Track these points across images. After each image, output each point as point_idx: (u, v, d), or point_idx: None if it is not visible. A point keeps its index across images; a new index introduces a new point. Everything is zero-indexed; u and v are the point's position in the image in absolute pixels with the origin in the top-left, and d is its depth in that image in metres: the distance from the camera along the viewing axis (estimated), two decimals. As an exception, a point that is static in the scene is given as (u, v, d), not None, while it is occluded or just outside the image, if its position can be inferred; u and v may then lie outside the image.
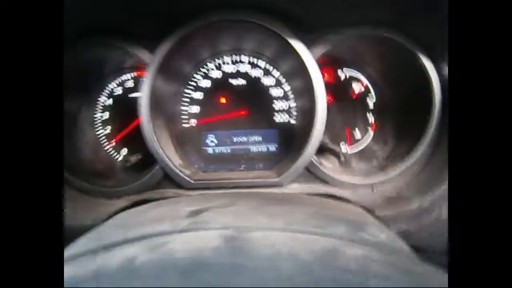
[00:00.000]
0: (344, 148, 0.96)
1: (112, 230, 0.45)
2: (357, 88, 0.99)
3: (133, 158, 0.82)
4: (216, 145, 1.00)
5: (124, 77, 1.00)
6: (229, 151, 0.99)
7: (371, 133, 0.98)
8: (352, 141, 0.98)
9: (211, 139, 1.00)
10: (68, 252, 0.42)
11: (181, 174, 0.77)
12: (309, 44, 0.76)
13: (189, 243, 0.30)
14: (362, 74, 0.98)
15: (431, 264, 0.33)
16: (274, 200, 0.51)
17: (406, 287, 0.23)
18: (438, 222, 0.68)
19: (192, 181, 0.77)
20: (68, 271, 0.29)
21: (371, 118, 0.99)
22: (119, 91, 1.00)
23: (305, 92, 0.85)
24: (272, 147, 0.99)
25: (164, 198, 0.75)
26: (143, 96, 0.76)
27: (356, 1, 0.69)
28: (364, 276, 0.24)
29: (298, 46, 0.75)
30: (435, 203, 0.69)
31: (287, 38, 0.74)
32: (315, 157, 0.78)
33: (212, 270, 0.23)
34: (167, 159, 0.77)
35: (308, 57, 0.75)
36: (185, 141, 0.96)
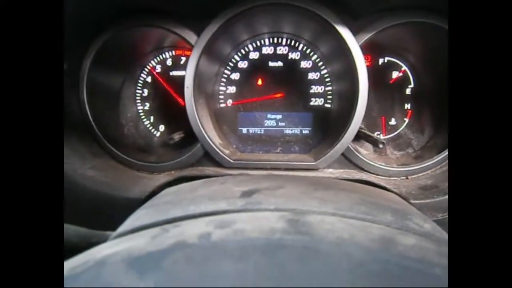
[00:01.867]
0: (379, 136, 0.96)
1: (170, 206, 0.48)
2: (394, 73, 0.98)
3: (177, 136, 0.85)
4: (251, 126, 1.02)
5: (163, 55, 1.02)
6: (263, 132, 1.02)
7: (406, 120, 0.98)
8: (387, 129, 0.99)
9: (245, 119, 1.02)
10: (132, 223, 0.46)
11: (221, 153, 0.80)
12: (352, 30, 0.75)
13: (255, 223, 0.33)
14: (401, 61, 0.97)
15: None
16: (320, 185, 0.53)
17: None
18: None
19: (232, 161, 0.80)
20: (144, 243, 0.32)
21: (407, 105, 0.98)
22: (158, 69, 1.03)
23: (344, 76, 0.85)
24: (306, 130, 1.01)
25: (204, 176, 0.79)
26: (188, 76, 0.79)
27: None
28: (427, 263, 0.26)
29: (342, 30, 0.75)
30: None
31: (331, 22, 0.74)
32: (351, 144, 0.79)
33: (290, 251, 0.26)
34: (208, 138, 0.80)
35: (352, 41, 0.75)
36: (222, 121, 0.99)
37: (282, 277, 0.23)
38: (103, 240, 0.45)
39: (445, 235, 0.45)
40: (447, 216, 0.70)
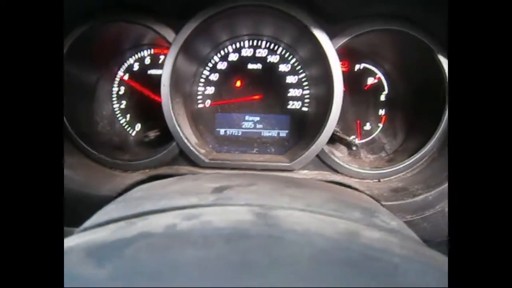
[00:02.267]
0: (354, 140, 0.98)
1: (140, 201, 0.48)
2: (369, 80, 1.01)
3: (152, 134, 0.84)
4: (228, 127, 1.02)
5: (141, 53, 1.01)
6: (240, 133, 1.02)
7: (380, 125, 1.00)
8: (362, 133, 1.01)
9: (223, 120, 1.02)
10: (99, 217, 0.45)
11: (196, 152, 0.80)
12: (329, 34, 0.77)
13: (224, 215, 0.33)
14: (376, 67, 1.00)
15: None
16: (292, 183, 0.54)
17: (426, 267, 0.26)
18: (442, 215, 0.71)
19: (207, 160, 0.80)
20: (108, 234, 0.31)
21: (381, 110, 1.01)
22: (136, 67, 1.02)
23: (321, 80, 0.87)
24: (283, 133, 1.01)
25: (178, 175, 0.78)
26: (164, 74, 0.78)
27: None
28: (389, 253, 0.27)
29: (319, 34, 0.76)
30: (440, 197, 0.72)
31: (309, 25, 0.76)
32: (326, 146, 0.81)
33: (254, 240, 0.26)
34: (184, 137, 0.79)
35: (328, 45, 0.76)
36: (199, 122, 0.98)
37: (243, 263, 0.23)
38: (69, 235, 0.44)
39: (410, 233, 0.46)
40: (416, 217, 0.72)
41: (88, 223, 0.45)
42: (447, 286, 0.25)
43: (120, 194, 0.74)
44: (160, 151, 0.82)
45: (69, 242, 0.32)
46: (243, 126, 1.02)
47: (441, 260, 0.29)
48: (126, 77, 1.02)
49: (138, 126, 1.03)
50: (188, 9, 0.76)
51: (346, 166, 0.80)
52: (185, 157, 0.82)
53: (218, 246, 0.25)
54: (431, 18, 0.74)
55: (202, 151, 0.81)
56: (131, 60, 1.01)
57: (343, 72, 0.99)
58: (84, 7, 0.76)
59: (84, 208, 0.72)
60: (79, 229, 0.43)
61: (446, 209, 0.71)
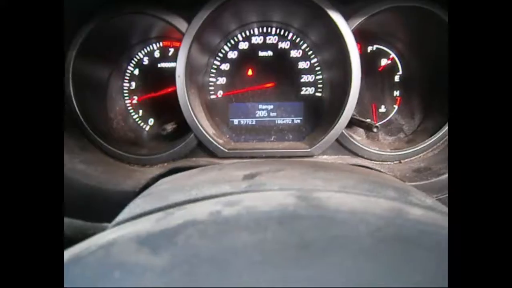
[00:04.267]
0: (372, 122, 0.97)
1: (169, 193, 0.47)
2: (383, 61, 0.99)
3: (169, 127, 0.84)
4: (242, 117, 1.01)
5: (151, 47, 1.00)
6: (254, 122, 1.01)
7: (396, 107, 0.99)
8: (378, 115, 0.99)
9: (237, 110, 1.01)
10: (131, 211, 0.45)
11: (214, 142, 0.79)
12: (344, 15, 0.75)
13: (265, 200, 0.32)
14: (389, 48, 0.98)
15: None
16: (319, 167, 0.53)
17: None
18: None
19: (226, 150, 0.79)
20: (151, 224, 0.31)
21: (396, 92, 0.99)
22: (146, 61, 1.01)
23: (336, 63, 0.85)
24: (297, 119, 1.00)
25: (198, 166, 0.78)
26: (179, 65, 0.77)
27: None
28: (440, 227, 0.26)
29: (334, 15, 0.75)
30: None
31: (323, 7, 0.74)
32: (345, 130, 0.80)
33: (307, 221, 0.25)
34: (201, 127, 0.79)
35: (344, 26, 0.75)
36: (214, 112, 0.98)
37: (303, 244, 0.22)
38: (100, 231, 0.44)
39: (446, 209, 0.45)
40: (441, 197, 0.71)
41: (120, 217, 0.45)
42: None
43: (142, 188, 0.74)
44: (177, 144, 0.82)
45: (109, 234, 0.31)
46: (257, 115, 1.01)
47: None
48: (136, 71, 1.01)
49: (151, 121, 1.02)
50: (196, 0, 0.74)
51: (366, 148, 0.79)
52: (203, 149, 0.81)
53: (273, 228, 0.24)
54: None
55: (220, 141, 0.81)
56: (140, 55, 1.00)
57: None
58: (93, 2, 0.75)
59: (106, 203, 0.73)
60: (113, 223, 0.43)
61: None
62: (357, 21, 0.76)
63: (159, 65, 1.00)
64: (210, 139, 0.79)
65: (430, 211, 0.34)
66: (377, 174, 0.61)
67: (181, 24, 0.77)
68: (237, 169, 0.52)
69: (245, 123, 1.01)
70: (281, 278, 0.19)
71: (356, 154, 0.80)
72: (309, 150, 0.78)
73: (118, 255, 0.25)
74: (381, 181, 0.49)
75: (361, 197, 0.36)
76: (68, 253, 0.29)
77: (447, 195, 0.70)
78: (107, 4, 0.75)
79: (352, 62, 0.75)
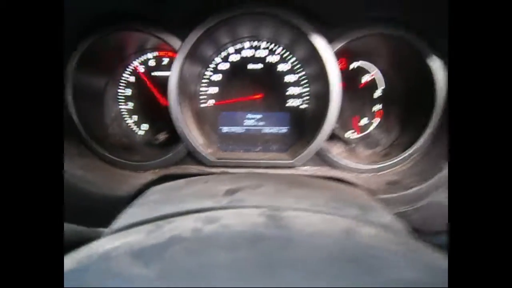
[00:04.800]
0: (352, 135, 1.04)
1: (159, 204, 0.53)
2: (365, 77, 1.06)
3: (161, 136, 0.89)
4: (231, 125, 1.07)
5: (146, 56, 1.05)
6: (243, 131, 1.07)
7: (376, 121, 1.05)
8: (360, 129, 1.06)
9: (226, 119, 1.07)
10: (126, 220, 0.51)
11: (203, 152, 0.85)
12: (328, 38, 0.82)
13: (240, 219, 0.38)
14: (372, 65, 1.05)
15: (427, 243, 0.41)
16: (295, 183, 0.59)
17: (407, 258, 0.32)
18: (432, 206, 0.77)
19: (213, 159, 0.85)
20: (143, 237, 0.37)
21: (376, 106, 1.06)
22: (141, 69, 1.06)
23: (319, 78, 0.91)
24: (283, 129, 1.07)
25: (187, 174, 0.84)
26: (172, 78, 0.83)
27: (372, 1, 0.74)
28: (379, 249, 0.32)
29: (316, 39, 0.81)
30: (431, 189, 0.78)
31: (305, 32, 0.80)
32: (325, 144, 0.86)
33: (271, 242, 0.32)
34: (191, 139, 0.84)
35: (325, 49, 0.81)
36: (204, 121, 1.03)
37: (267, 263, 0.28)
38: (96, 236, 0.49)
39: (401, 227, 0.52)
40: (409, 209, 0.78)
41: (116, 225, 0.50)
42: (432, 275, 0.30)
43: (135, 193, 0.79)
44: (169, 152, 0.88)
45: (108, 243, 0.37)
46: (245, 124, 1.07)
47: (425, 253, 0.35)
48: (132, 79, 1.06)
49: (145, 127, 1.08)
50: (192, 18, 0.80)
51: (344, 162, 0.86)
52: (193, 157, 0.87)
53: (244, 249, 0.30)
54: (425, 24, 0.79)
55: (209, 151, 0.87)
56: (136, 63, 1.05)
57: (341, 70, 1.04)
58: (93, 17, 0.80)
59: (101, 207, 0.78)
60: (109, 231, 0.49)
61: (436, 200, 0.77)
62: (339, 45, 0.82)
63: (152, 74, 1.05)
64: (199, 149, 0.85)
65: (382, 231, 0.40)
66: (347, 190, 0.67)
67: (175, 42, 0.82)
68: (220, 183, 0.58)
69: (234, 131, 1.07)
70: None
71: (334, 166, 0.87)
72: (291, 161, 0.84)
73: (116, 267, 0.31)
74: (348, 199, 0.56)
75: (325, 217, 0.42)
76: (69, 261, 0.35)
77: (413, 207, 0.77)
78: (105, 22, 0.80)
79: (331, 83, 0.81)
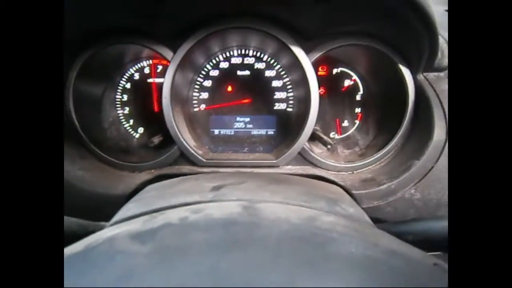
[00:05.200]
0: (334, 136, 1.12)
1: (154, 199, 0.61)
2: (346, 82, 1.14)
3: (156, 140, 0.97)
4: (222, 128, 1.15)
5: (141, 64, 1.12)
6: (232, 133, 1.15)
7: (356, 123, 1.14)
8: (342, 130, 1.14)
9: (217, 122, 1.15)
10: (124, 213, 0.58)
11: (195, 153, 0.93)
12: (306, 50, 0.90)
13: (220, 209, 0.46)
14: (352, 71, 1.13)
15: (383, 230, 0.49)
16: (274, 180, 0.67)
17: (359, 238, 0.39)
18: (403, 200, 0.85)
19: (204, 160, 0.93)
20: (140, 225, 0.44)
21: (357, 109, 1.14)
22: (137, 76, 1.13)
23: (301, 84, 1.00)
24: (271, 131, 1.15)
25: (180, 174, 0.92)
26: (165, 87, 0.90)
27: (348, 17, 0.83)
28: (331, 231, 0.40)
29: (296, 50, 0.89)
30: (401, 185, 0.86)
31: (287, 43, 0.89)
32: (307, 143, 0.94)
33: (241, 226, 0.39)
34: (183, 140, 0.92)
35: (304, 59, 0.89)
36: (196, 124, 1.11)
37: (233, 240, 0.36)
38: (99, 228, 0.57)
39: (365, 217, 0.60)
40: (382, 203, 0.86)
41: (116, 218, 0.58)
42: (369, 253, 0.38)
43: (132, 192, 0.87)
44: (163, 154, 0.95)
45: (110, 231, 0.45)
46: (235, 127, 1.15)
47: (375, 234, 0.43)
48: (128, 85, 1.13)
49: (141, 130, 1.15)
50: (182, 31, 0.88)
51: (324, 161, 0.94)
52: (185, 158, 0.95)
53: (217, 230, 0.38)
54: (395, 35, 0.87)
55: (200, 152, 0.94)
56: (131, 71, 1.13)
57: (323, 76, 1.12)
58: (90, 32, 0.88)
59: (101, 205, 0.86)
60: (111, 223, 0.56)
61: (406, 196, 0.85)
62: (317, 55, 0.90)
63: (148, 80, 1.13)
64: (191, 150, 0.93)
65: (339, 219, 0.48)
66: (322, 186, 0.75)
67: (167, 53, 0.90)
68: (209, 181, 0.66)
69: (224, 133, 1.15)
70: (217, 260, 0.33)
71: (315, 165, 0.95)
72: (275, 161, 0.92)
73: (119, 245, 0.39)
74: (320, 194, 0.64)
75: (292, 208, 0.50)
76: (76, 245, 0.42)
77: (386, 201, 0.85)
78: (102, 36, 0.88)
79: (311, 89, 0.90)
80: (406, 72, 0.90)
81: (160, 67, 1.13)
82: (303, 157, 0.95)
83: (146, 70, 1.13)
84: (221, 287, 0.29)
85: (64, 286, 0.33)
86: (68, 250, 0.40)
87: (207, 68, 1.11)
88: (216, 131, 1.15)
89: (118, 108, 1.13)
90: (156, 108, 1.13)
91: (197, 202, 0.53)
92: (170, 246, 0.36)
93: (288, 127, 1.11)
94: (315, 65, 0.93)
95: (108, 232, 0.45)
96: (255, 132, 1.15)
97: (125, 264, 0.34)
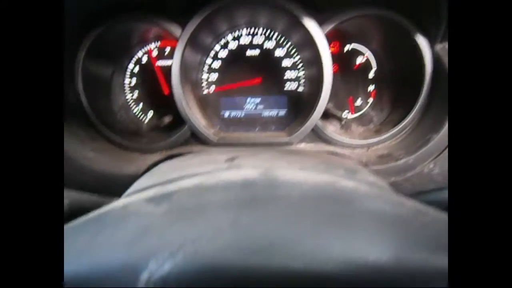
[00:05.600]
0: (347, 115, 1.09)
1: (167, 172, 0.59)
2: (359, 59, 1.11)
3: (166, 119, 0.96)
4: (232, 109, 1.13)
5: (149, 46, 1.11)
6: (243, 115, 1.13)
7: (370, 100, 1.11)
8: (354, 109, 1.11)
9: (227, 104, 1.12)
10: (138, 185, 0.57)
11: (205, 133, 0.91)
12: (318, 21, 0.87)
13: (236, 174, 0.44)
14: (365, 47, 1.09)
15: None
16: (289, 153, 0.65)
17: (385, 201, 0.37)
18: (420, 176, 0.82)
19: (216, 139, 0.91)
20: (155, 191, 0.43)
21: (370, 87, 1.11)
22: (145, 59, 1.12)
23: (313, 62, 0.97)
24: (282, 112, 1.12)
25: (192, 153, 0.90)
26: (174, 64, 0.88)
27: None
28: (355, 192, 0.38)
29: (308, 22, 0.86)
30: (419, 160, 0.83)
31: (298, 15, 0.85)
32: (320, 121, 0.92)
33: (260, 186, 0.37)
34: (194, 120, 0.90)
35: (317, 32, 0.86)
36: (206, 106, 1.09)
37: (252, 198, 0.34)
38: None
39: (386, 186, 0.57)
40: (399, 179, 0.83)
41: (129, 191, 0.57)
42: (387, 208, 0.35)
43: (143, 172, 0.86)
44: (173, 134, 0.94)
45: (125, 199, 0.43)
46: (246, 108, 1.12)
47: (400, 197, 0.40)
48: (136, 69, 1.12)
49: (150, 114, 1.14)
50: (191, 6, 0.85)
51: (338, 138, 0.91)
52: (196, 138, 0.93)
53: (235, 190, 0.36)
54: (412, 5, 0.83)
55: (211, 131, 0.93)
56: (139, 54, 1.11)
57: (335, 53, 1.09)
58: (97, 9, 0.86)
59: (113, 185, 0.85)
60: (125, 194, 0.55)
61: (425, 170, 0.82)
62: (329, 26, 0.87)
63: (156, 64, 1.11)
64: (202, 129, 0.91)
65: (360, 184, 0.46)
66: (338, 160, 0.73)
67: (176, 29, 0.88)
68: (222, 154, 0.65)
69: (235, 115, 1.13)
70: (237, 215, 0.31)
71: (329, 143, 0.93)
72: (288, 139, 0.90)
73: (132, 208, 0.37)
74: (337, 164, 0.61)
75: (310, 174, 0.48)
76: (94, 212, 0.41)
77: (403, 177, 0.82)
78: (110, 14, 0.86)
79: (324, 63, 0.87)
80: (423, 42, 0.86)
81: (168, 49, 1.11)
82: (317, 135, 0.92)
83: (154, 53, 1.12)
84: (244, 240, 0.28)
85: (77, 248, 0.31)
86: (81, 219, 0.39)
87: (215, 49, 1.08)
88: (227, 113, 1.13)
89: (127, 93, 1.12)
90: (165, 91, 1.11)
91: (211, 172, 0.52)
92: (186, 206, 0.35)
93: (299, 107, 1.08)
94: (327, 39, 0.90)
95: (122, 200, 0.43)
96: (266, 113, 1.12)
97: (140, 223, 0.33)
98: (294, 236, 0.28)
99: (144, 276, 0.25)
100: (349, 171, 0.57)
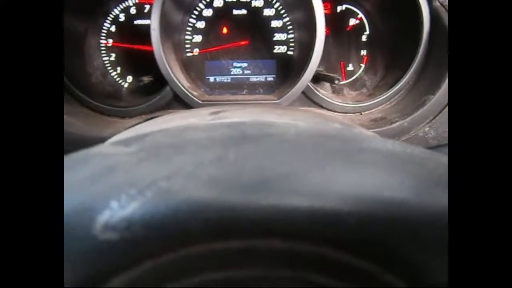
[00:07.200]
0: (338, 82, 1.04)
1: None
2: (351, 21, 1.05)
3: (146, 78, 0.88)
4: (218, 74, 1.06)
5: (126, 3, 1.02)
6: (229, 80, 1.06)
7: (362, 65, 1.05)
8: (346, 73, 1.06)
9: (213, 68, 1.05)
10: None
11: (190, 94, 0.84)
12: None
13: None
14: (357, 8, 1.03)
15: None
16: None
17: (392, 142, 0.32)
18: (415, 139, 0.79)
19: (200, 101, 0.85)
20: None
21: (363, 51, 1.05)
22: (122, 17, 1.03)
23: (305, 23, 0.90)
24: (270, 77, 1.06)
25: (174, 117, 0.84)
26: (153, 18, 0.81)
27: None
28: (359, 134, 0.33)
29: None
30: (414, 123, 0.80)
31: None
32: (311, 83, 0.86)
33: (251, 125, 0.32)
34: (176, 80, 0.83)
35: None
36: (190, 70, 1.02)
37: (242, 136, 0.29)
38: None
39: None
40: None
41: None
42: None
43: (122, 135, 0.79)
44: (154, 97, 0.87)
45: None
46: (232, 73, 1.06)
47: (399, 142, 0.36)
48: (113, 28, 1.03)
49: (129, 78, 1.06)
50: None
51: (330, 100, 0.86)
52: (179, 101, 0.86)
53: (222, 129, 0.31)
54: None
55: (195, 93, 0.86)
56: (116, 11, 1.02)
57: (326, 14, 1.02)
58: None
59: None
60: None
61: (420, 134, 0.79)
62: None
63: (135, 22, 1.02)
64: (186, 91, 0.84)
65: (362, 132, 0.41)
66: (331, 116, 0.68)
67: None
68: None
69: (220, 80, 1.06)
70: (223, 151, 0.26)
71: (321, 106, 0.88)
72: (277, 101, 0.85)
73: (95, 151, 0.31)
74: (331, 119, 0.57)
75: (303, 122, 0.43)
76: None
77: (402, 140, 0.79)
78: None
79: (317, 24, 0.81)
80: (425, 5, 0.81)
81: (147, 7, 1.02)
82: (308, 97, 0.87)
83: (132, 11, 1.03)
84: (231, 174, 0.22)
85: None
86: None
87: (199, 8, 1.00)
88: (212, 78, 1.06)
89: (103, 55, 1.03)
90: (145, 52, 1.03)
91: (195, 124, 0.46)
92: (161, 144, 0.29)
93: (289, 71, 1.02)
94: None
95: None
96: (253, 78, 1.06)
97: (104, 162, 0.27)
98: (295, 170, 0.23)
99: (102, 218, 0.20)
100: (345, 125, 0.52)
